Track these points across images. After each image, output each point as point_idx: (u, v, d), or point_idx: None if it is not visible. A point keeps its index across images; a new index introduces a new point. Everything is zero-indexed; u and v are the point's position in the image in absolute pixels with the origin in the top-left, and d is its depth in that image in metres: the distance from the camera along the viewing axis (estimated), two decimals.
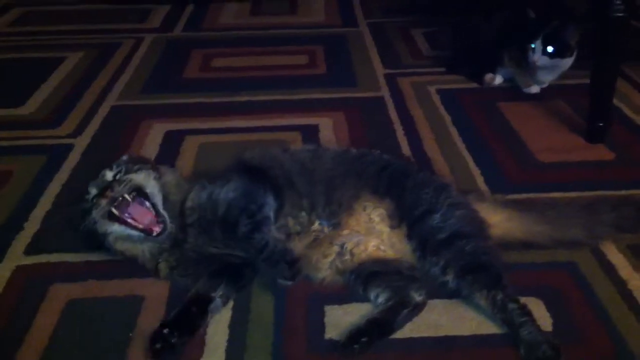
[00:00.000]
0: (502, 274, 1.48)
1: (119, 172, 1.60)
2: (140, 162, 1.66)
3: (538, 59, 2.40)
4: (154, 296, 1.55)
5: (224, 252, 1.58)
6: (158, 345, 1.38)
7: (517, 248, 1.63)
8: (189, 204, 1.58)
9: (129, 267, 1.59)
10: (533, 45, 2.39)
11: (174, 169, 1.79)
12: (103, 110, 2.50)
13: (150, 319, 1.48)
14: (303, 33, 3.36)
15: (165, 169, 1.71)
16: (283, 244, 1.53)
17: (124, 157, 1.69)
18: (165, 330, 1.39)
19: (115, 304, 1.54)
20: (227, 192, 1.59)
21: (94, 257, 1.67)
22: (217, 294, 1.51)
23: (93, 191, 1.58)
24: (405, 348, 1.41)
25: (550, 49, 2.37)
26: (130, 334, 1.44)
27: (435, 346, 1.41)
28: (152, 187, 1.59)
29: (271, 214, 1.57)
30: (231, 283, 1.54)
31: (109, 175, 1.60)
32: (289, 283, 1.49)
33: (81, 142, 2.27)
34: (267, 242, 1.51)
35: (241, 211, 1.55)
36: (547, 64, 2.42)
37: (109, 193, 1.55)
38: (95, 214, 1.55)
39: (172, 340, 1.38)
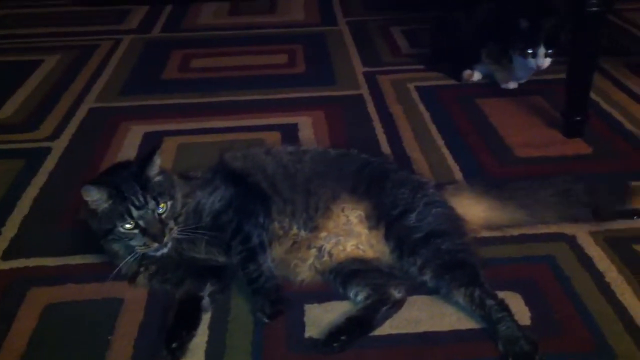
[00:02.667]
0: (479, 271, 1.49)
1: (167, 215, 1.50)
2: (168, 186, 1.54)
3: (542, 63, 2.40)
4: (133, 299, 1.55)
5: (205, 257, 1.58)
6: (175, 345, 1.40)
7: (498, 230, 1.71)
8: (180, 219, 1.55)
9: (108, 270, 1.57)
10: (531, 51, 2.39)
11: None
12: (81, 113, 2.49)
13: (129, 321, 1.49)
14: (282, 32, 3.36)
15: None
16: (274, 281, 1.52)
17: (175, 183, 1.57)
18: (178, 330, 1.42)
19: (94, 307, 1.54)
20: (213, 202, 1.59)
21: (72, 260, 1.67)
22: (205, 293, 1.52)
23: (140, 223, 1.46)
24: (385, 345, 1.41)
25: (551, 51, 2.38)
26: (110, 337, 1.44)
27: (416, 342, 1.42)
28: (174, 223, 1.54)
29: (265, 238, 1.57)
30: (215, 283, 1.54)
31: (161, 208, 1.49)
32: (266, 320, 1.47)
33: (59, 145, 2.25)
34: (260, 274, 1.51)
35: (234, 231, 1.55)
36: (548, 65, 2.43)
37: (157, 242, 1.48)
38: (133, 242, 1.49)
39: (185, 339, 1.41)
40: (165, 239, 1.49)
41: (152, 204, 1.47)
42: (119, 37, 3.28)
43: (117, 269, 1.52)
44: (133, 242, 1.48)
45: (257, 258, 1.54)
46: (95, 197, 1.46)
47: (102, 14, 3.68)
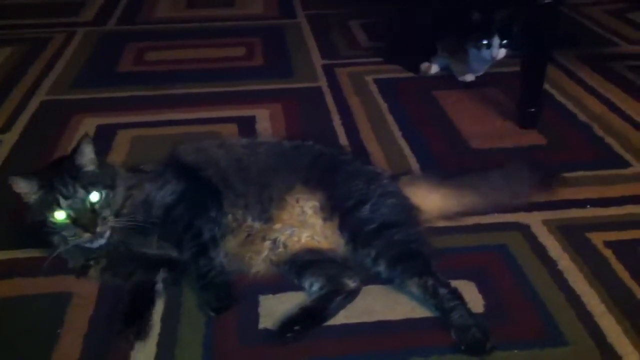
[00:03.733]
0: (432, 260, 1.49)
1: (102, 204, 1.48)
2: (105, 177, 1.51)
3: (497, 54, 2.41)
4: (83, 292, 1.52)
5: (156, 252, 1.55)
6: (137, 327, 1.40)
7: (454, 219, 1.71)
8: (124, 211, 1.53)
9: (57, 264, 1.54)
10: (485, 42, 2.40)
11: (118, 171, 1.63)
12: (32, 106, 2.43)
13: (79, 315, 1.46)
14: (240, 25, 3.33)
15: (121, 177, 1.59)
16: (224, 277, 1.50)
17: (116, 174, 1.54)
18: (137, 311, 1.43)
19: (42, 301, 1.50)
20: (164, 196, 1.56)
21: (19, 254, 1.63)
22: (159, 279, 1.50)
23: (70, 213, 1.45)
24: (340, 334, 1.41)
25: (505, 41, 2.39)
26: (58, 331, 1.41)
27: (370, 331, 1.41)
28: (111, 214, 1.51)
29: (217, 233, 1.55)
30: (168, 272, 1.52)
31: (92, 197, 1.46)
32: (212, 314, 1.44)
33: (9, 139, 2.20)
34: (210, 269, 1.49)
35: (185, 227, 1.53)
36: (503, 55, 2.44)
37: (88, 232, 1.46)
38: (65, 232, 1.47)
39: (146, 318, 1.42)
40: (98, 229, 1.46)
41: (81, 193, 1.45)
42: (73, 30, 3.21)
43: (49, 259, 1.50)
44: (65, 233, 1.46)
45: (208, 253, 1.52)
46: (25, 188, 1.46)
47: (56, 6, 3.60)
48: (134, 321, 1.40)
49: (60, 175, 1.45)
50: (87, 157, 1.50)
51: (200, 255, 1.52)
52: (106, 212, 1.48)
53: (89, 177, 1.47)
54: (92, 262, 1.53)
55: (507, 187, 1.76)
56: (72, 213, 1.45)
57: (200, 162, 1.66)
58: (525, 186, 1.78)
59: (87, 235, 1.46)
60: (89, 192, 1.46)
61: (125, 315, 1.42)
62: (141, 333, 1.39)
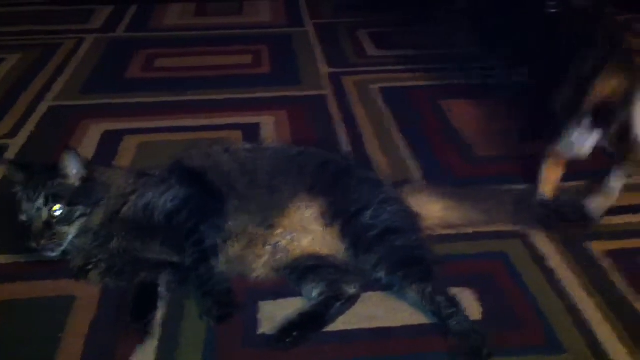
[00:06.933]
0: (432, 267, 1.50)
1: (61, 219, 1.51)
2: (85, 194, 1.55)
3: None
4: (86, 296, 1.53)
5: (159, 257, 1.57)
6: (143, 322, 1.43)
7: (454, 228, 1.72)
8: (122, 216, 1.56)
9: (60, 267, 1.56)
10: None
11: (118, 172, 1.70)
12: (40, 111, 2.46)
13: (81, 318, 1.47)
14: (248, 33, 3.35)
15: (113, 179, 1.63)
16: (225, 284, 1.51)
17: (98, 193, 1.57)
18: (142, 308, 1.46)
19: (45, 304, 1.52)
20: (165, 202, 1.58)
21: (22, 258, 1.64)
22: (162, 282, 1.52)
23: (25, 218, 1.52)
24: (339, 340, 1.42)
25: None
26: (60, 335, 1.42)
27: (370, 337, 1.43)
28: (73, 232, 1.54)
29: (218, 241, 1.56)
30: (171, 274, 1.54)
31: (52, 210, 1.50)
32: (213, 323, 1.45)
33: (17, 143, 2.23)
34: (211, 277, 1.50)
35: (188, 233, 1.54)
36: None
37: (33, 242, 1.50)
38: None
39: (150, 321, 1.44)
40: (43, 242, 1.49)
41: (40, 202, 1.49)
42: (82, 37, 3.24)
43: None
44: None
45: (209, 260, 1.53)
46: (12, 177, 1.55)
47: (66, 13, 3.63)
48: (138, 321, 1.42)
49: (38, 178, 1.51)
50: (68, 169, 1.53)
51: (201, 262, 1.53)
52: (64, 229, 1.51)
53: (59, 190, 1.51)
54: (91, 266, 1.55)
55: (512, 211, 1.75)
56: (27, 218, 1.50)
57: (205, 167, 1.68)
58: (531, 217, 1.75)
59: (32, 244, 1.49)
60: (47, 204, 1.49)
61: (131, 314, 1.44)
62: (144, 332, 1.41)
